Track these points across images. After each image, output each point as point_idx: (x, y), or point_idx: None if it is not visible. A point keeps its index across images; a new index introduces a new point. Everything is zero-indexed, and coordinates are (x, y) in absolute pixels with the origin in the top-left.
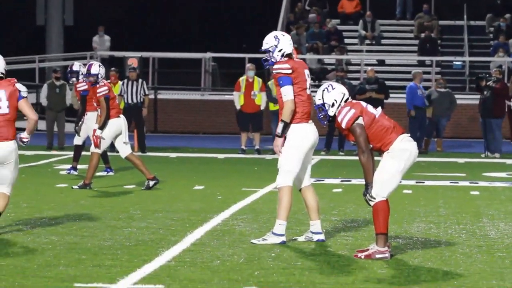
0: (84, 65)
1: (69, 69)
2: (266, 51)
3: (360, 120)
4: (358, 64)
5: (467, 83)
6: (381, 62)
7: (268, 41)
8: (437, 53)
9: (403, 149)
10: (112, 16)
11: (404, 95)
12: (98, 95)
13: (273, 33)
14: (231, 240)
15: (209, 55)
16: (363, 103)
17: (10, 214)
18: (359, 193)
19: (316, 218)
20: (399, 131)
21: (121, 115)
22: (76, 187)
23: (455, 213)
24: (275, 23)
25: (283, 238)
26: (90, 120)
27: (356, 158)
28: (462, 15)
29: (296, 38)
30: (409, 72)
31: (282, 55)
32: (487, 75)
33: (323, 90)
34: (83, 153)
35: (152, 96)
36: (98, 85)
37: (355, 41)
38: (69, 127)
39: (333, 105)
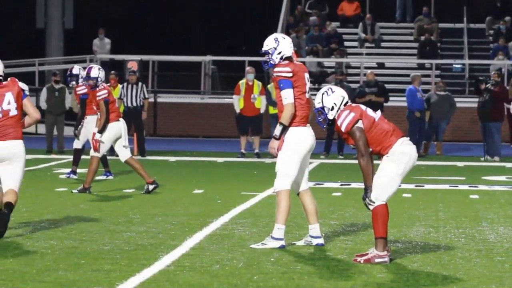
0: (84, 68)
1: (68, 72)
2: (266, 53)
3: (360, 124)
4: (358, 67)
5: (466, 86)
6: (381, 65)
7: (268, 43)
8: (437, 56)
9: (402, 153)
10: (112, 19)
11: (404, 98)
12: (97, 98)
13: (274, 35)
14: (230, 245)
15: (208, 58)
16: (363, 107)
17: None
18: (359, 197)
19: (315, 222)
20: (398, 134)
21: (121, 119)
22: (76, 191)
23: (454, 217)
24: (275, 25)
25: (282, 242)
26: (90, 123)
27: (356, 161)
28: (462, 18)
29: (296, 41)
30: (409, 75)
31: (281, 58)
32: (487, 78)
33: (323, 94)
34: (83, 157)
35: (151, 100)
36: (97, 89)
37: (355, 44)
38: (68, 130)
39: (332, 108)
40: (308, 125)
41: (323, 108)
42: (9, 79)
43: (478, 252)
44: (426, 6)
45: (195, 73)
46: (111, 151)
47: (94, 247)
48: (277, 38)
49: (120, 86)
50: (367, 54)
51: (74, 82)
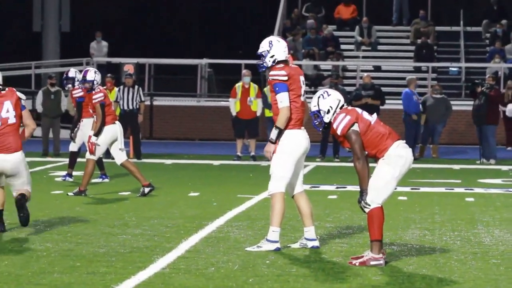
0: (80, 71)
1: (65, 75)
2: (260, 55)
3: (356, 127)
4: (354, 70)
5: (463, 89)
6: (377, 68)
7: (263, 46)
8: (433, 59)
9: (398, 156)
10: (108, 22)
11: (400, 101)
12: (94, 101)
13: (270, 38)
14: (226, 247)
15: (205, 61)
16: (359, 110)
17: (5, 220)
18: (354, 200)
19: (310, 224)
20: (394, 137)
21: (117, 122)
22: (71, 194)
23: (450, 219)
24: (272, 28)
25: (278, 245)
26: (86, 126)
27: (351, 164)
28: (459, 21)
29: (293, 44)
30: (406, 78)
31: (274, 61)
32: (483, 81)
33: (319, 97)
34: (79, 159)
35: (148, 103)
36: (94, 92)
37: (352, 47)
38: (64, 133)
39: (328, 111)
40: (303, 127)
41: (319, 111)
42: (7, 88)
43: (474, 255)
44: (422, 9)
45: (192, 76)
46: (107, 154)
47: (89, 250)
48: (271, 41)
49: (116, 89)
50: (364, 57)
51: (70, 85)
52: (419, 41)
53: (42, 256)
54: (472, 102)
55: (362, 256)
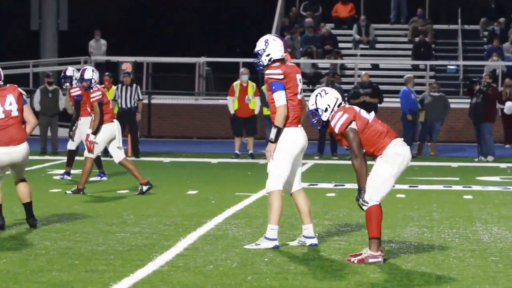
0: (78, 70)
1: (62, 74)
2: (257, 54)
3: (353, 125)
4: (352, 69)
5: (461, 87)
6: (375, 66)
7: (259, 44)
8: (431, 57)
9: (396, 154)
10: (106, 20)
11: (398, 100)
12: (91, 100)
13: (266, 36)
14: (224, 245)
15: (203, 59)
16: (356, 108)
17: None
18: (352, 198)
19: (309, 222)
20: (392, 135)
21: (115, 120)
22: (70, 192)
23: (448, 217)
24: (269, 27)
25: (276, 243)
26: (84, 125)
27: (349, 162)
28: (457, 19)
29: (291, 43)
30: (403, 77)
31: (270, 60)
32: (481, 80)
33: (316, 95)
34: (77, 158)
35: (146, 101)
36: (91, 90)
37: (349, 45)
38: (62, 132)
39: (326, 110)
40: (300, 125)
41: (317, 109)
42: (8, 85)
43: (472, 252)
44: (420, 8)
45: (190, 75)
46: (105, 152)
47: (88, 248)
48: (267, 40)
49: (114, 87)
50: (362, 55)
51: (68, 84)
52: (417, 39)
53: (41, 254)
54: (469, 100)
55: (361, 254)
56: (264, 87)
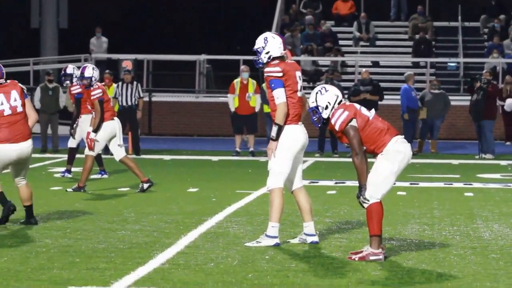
0: (78, 68)
1: (63, 72)
2: (256, 51)
3: (354, 122)
4: (353, 66)
5: (461, 84)
6: (376, 64)
7: (258, 42)
8: (431, 54)
9: (397, 151)
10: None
11: (399, 97)
12: (92, 97)
13: (265, 34)
14: (225, 243)
15: (203, 57)
16: (357, 105)
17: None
18: (353, 195)
19: (310, 219)
20: (393, 133)
21: (115, 118)
22: (70, 190)
23: (449, 214)
24: (270, 24)
25: (277, 240)
26: (84, 122)
27: (350, 160)
28: (457, 16)
29: (291, 40)
30: (404, 74)
31: (269, 58)
32: (482, 77)
33: (317, 93)
34: (77, 156)
35: (146, 99)
36: (92, 88)
37: (350, 42)
38: (62, 129)
39: (326, 107)
40: (301, 123)
41: (317, 107)
42: (8, 81)
43: (473, 250)
44: (420, 5)
45: (190, 72)
46: (106, 150)
47: (88, 246)
48: (266, 38)
49: (115, 85)
50: (362, 52)
51: (68, 82)
52: (417, 36)
53: (41, 252)
54: (470, 98)
55: (362, 251)
56: (264, 85)
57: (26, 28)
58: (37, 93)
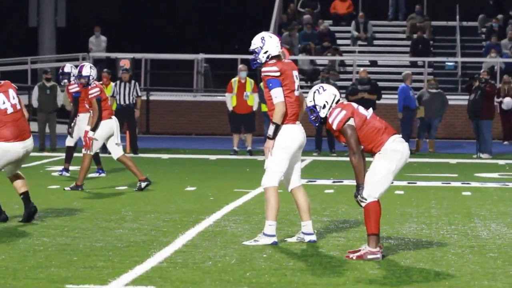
0: (76, 66)
1: (60, 70)
2: (253, 52)
3: (351, 122)
4: (351, 65)
5: (459, 84)
6: (374, 63)
7: (255, 42)
8: (429, 53)
9: (394, 150)
10: (104, 18)
11: (397, 96)
12: (90, 96)
13: (261, 34)
14: (223, 241)
15: (201, 56)
16: (354, 105)
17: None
18: (351, 194)
19: (308, 218)
20: (390, 132)
21: (113, 117)
22: (68, 188)
23: (447, 213)
24: (267, 24)
25: (274, 239)
26: (82, 121)
27: (348, 159)
28: (455, 16)
29: (289, 39)
30: (402, 73)
31: (268, 57)
32: (480, 76)
33: (314, 92)
34: (75, 154)
35: (144, 98)
36: (89, 87)
37: (348, 42)
38: (60, 128)
39: (324, 106)
40: (298, 122)
41: (315, 106)
42: (2, 81)
43: (471, 249)
44: (418, 4)
45: (188, 71)
46: (104, 148)
47: (86, 244)
48: (263, 37)
49: (112, 84)
50: (360, 52)
51: (66, 80)
52: (415, 36)
53: (39, 251)
54: (468, 97)
55: (359, 250)
56: (262, 84)
57: (24, 27)
58: (35, 92)
